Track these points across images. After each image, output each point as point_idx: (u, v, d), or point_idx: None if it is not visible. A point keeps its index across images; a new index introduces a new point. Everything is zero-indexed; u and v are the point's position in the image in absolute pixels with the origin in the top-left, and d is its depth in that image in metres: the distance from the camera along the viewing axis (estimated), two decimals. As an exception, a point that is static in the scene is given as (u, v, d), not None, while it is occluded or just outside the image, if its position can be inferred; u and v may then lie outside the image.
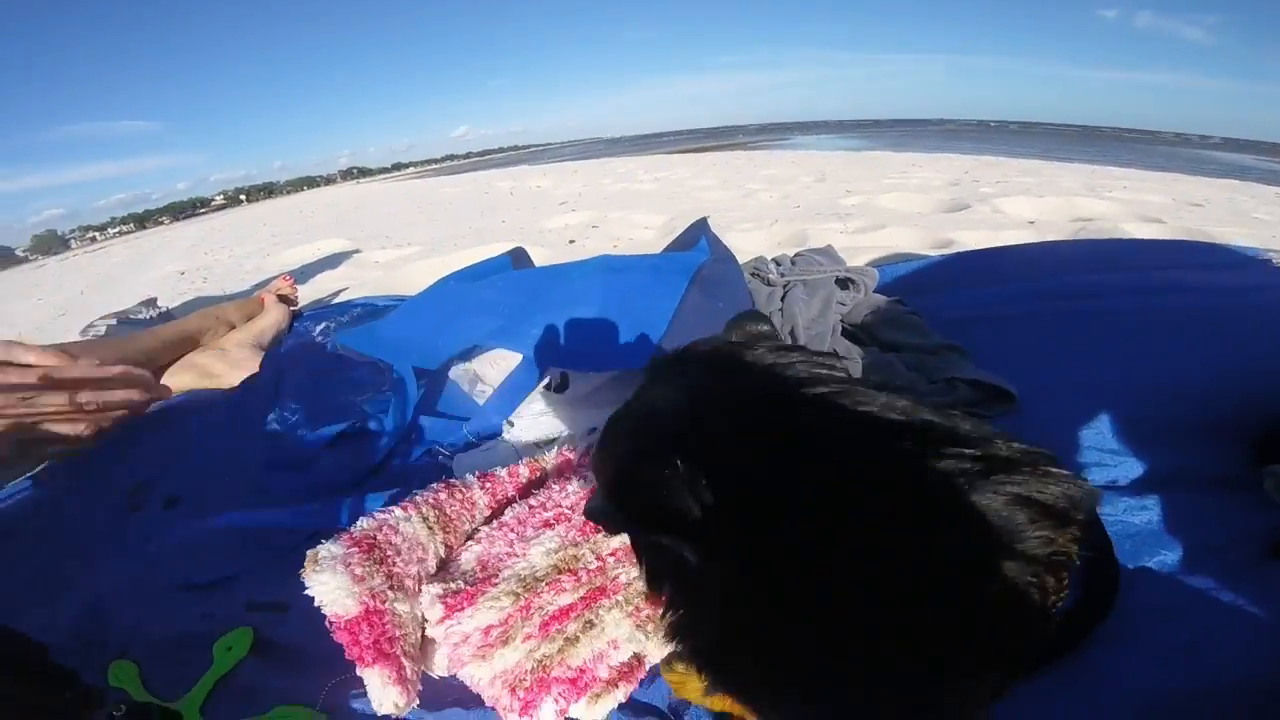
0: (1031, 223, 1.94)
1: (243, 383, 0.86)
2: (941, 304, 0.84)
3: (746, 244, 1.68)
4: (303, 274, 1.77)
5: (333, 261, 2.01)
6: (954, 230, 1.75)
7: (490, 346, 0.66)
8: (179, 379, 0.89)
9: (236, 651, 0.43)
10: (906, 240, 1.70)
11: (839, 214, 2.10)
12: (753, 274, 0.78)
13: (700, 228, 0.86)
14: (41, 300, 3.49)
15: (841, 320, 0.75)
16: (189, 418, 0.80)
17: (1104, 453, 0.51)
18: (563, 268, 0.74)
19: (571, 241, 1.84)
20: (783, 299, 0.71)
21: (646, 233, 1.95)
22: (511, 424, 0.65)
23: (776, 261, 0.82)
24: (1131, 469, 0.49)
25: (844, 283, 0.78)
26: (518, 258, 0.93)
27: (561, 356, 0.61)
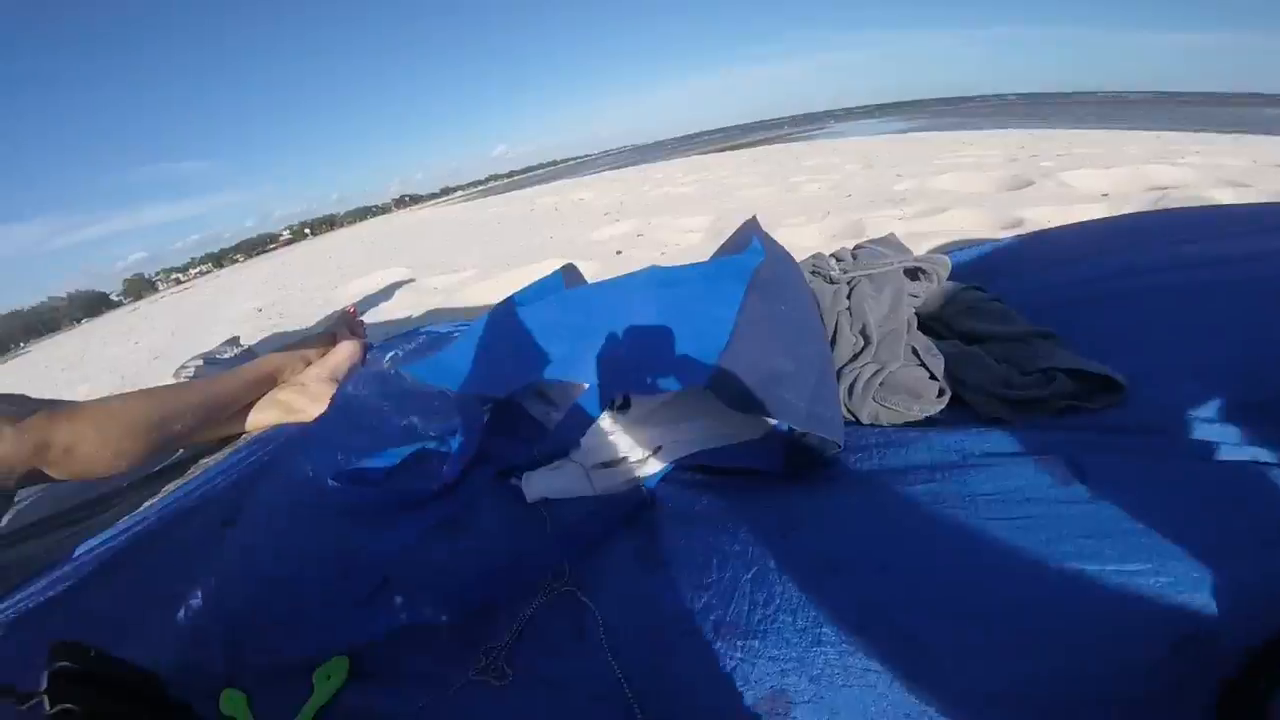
0: (1105, 195, 1.79)
1: (320, 419, 0.90)
2: (1025, 287, 0.79)
3: (799, 240, 1.63)
4: (367, 303, 1.86)
5: (394, 290, 2.10)
6: (1022, 208, 1.64)
7: (554, 374, 0.66)
8: (264, 415, 0.95)
9: (335, 681, 0.44)
10: (972, 222, 1.60)
11: (893, 200, 2.01)
12: (813, 272, 0.75)
13: (751, 228, 0.83)
14: (138, 344, 3.82)
15: (916, 313, 0.71)
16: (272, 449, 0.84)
17: (1226, 445, 0.45)
18: (614, 283, 0.73)
19: (619, 252, 1.85)
20: (849, 296, 0.68)
21: (693, 236, 1.93)
22: (579, 445, 0.65)
23: (837, 257, 0.79)
24: (1255, 457, 0.44)
25: (914, 273, 0.74)
26: (569, 274, 0.93)
27: (622, 379, 0.60)
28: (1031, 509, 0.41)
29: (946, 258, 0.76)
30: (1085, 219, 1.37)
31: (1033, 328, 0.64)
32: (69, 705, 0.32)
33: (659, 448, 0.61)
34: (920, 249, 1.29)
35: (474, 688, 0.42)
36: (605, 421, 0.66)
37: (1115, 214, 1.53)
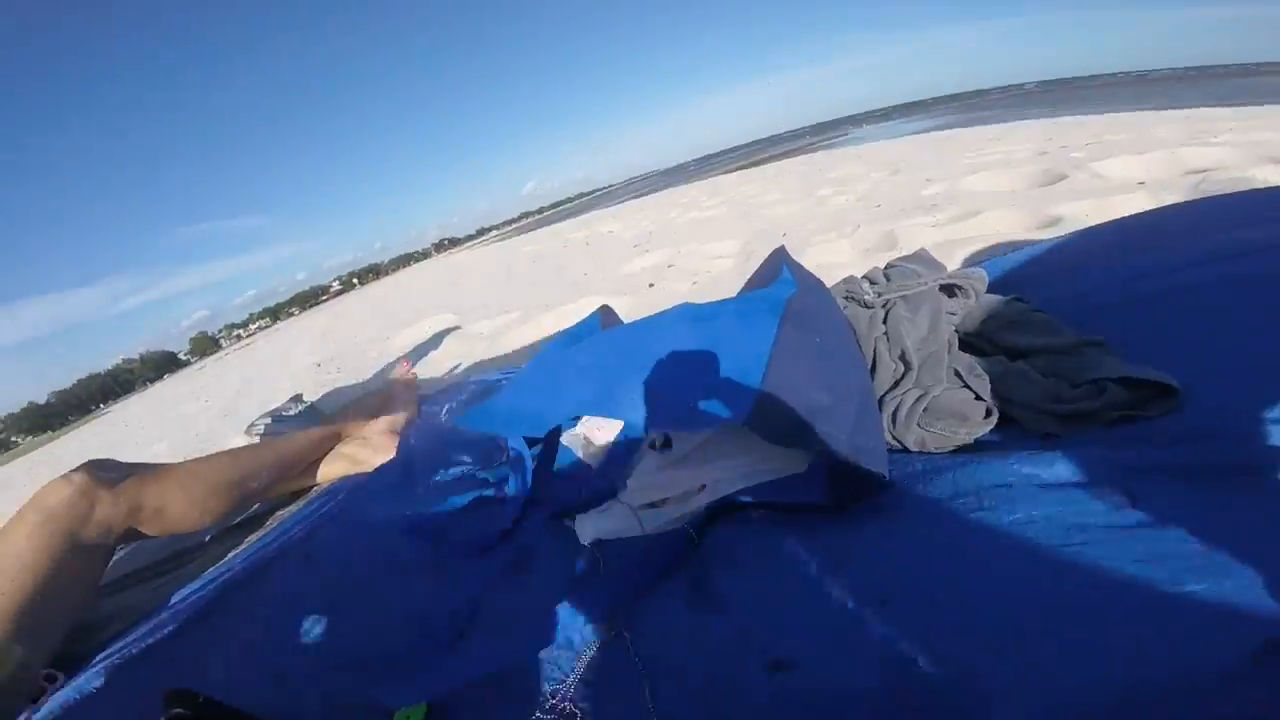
0: (1141, 184, 1.73)
1: (380, 466, 0.95)
2: (1068, 293, 0.77)
3: (832, 256, 1.63)
4: (418, 353, 1.95)
5: (442, 338, 2.20)
6: (1057, 204, 1.60)
7: (594, 411, 0.69)
8: (333, 469, 1.01)
9: None
10: (1007, 224, 1.57)
11: (924, 206, 1.99)
12: (846, 297, 0.75)
13: (780, 256, 0.85)
14: (208, 404, 4.08)
15: (956, 331, 0.70)
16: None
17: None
18: (648, 323, 0.75)
19: (651, 285, 1.89)
20: (885, 320, 0.68)
21: (723, 262, 1.95)
22: (626, 487, 0.67)
23: (870, 279, 0.80)
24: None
25: (950, 290, 0.74)
26: (605, 315, 0.97)
27: (660, 418, 0.61)
28: (1084, 535, 0.41)
29: (982, 271, 0.76)
30: (1124, 211, 1.33)
31: (1080, 337, 0.62)
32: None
33: (703, 486, 0.62)
34: (957, 257, 1.27)
35: None
36: (650, 462, 0.68)
37: (1155, 203, 1.48)
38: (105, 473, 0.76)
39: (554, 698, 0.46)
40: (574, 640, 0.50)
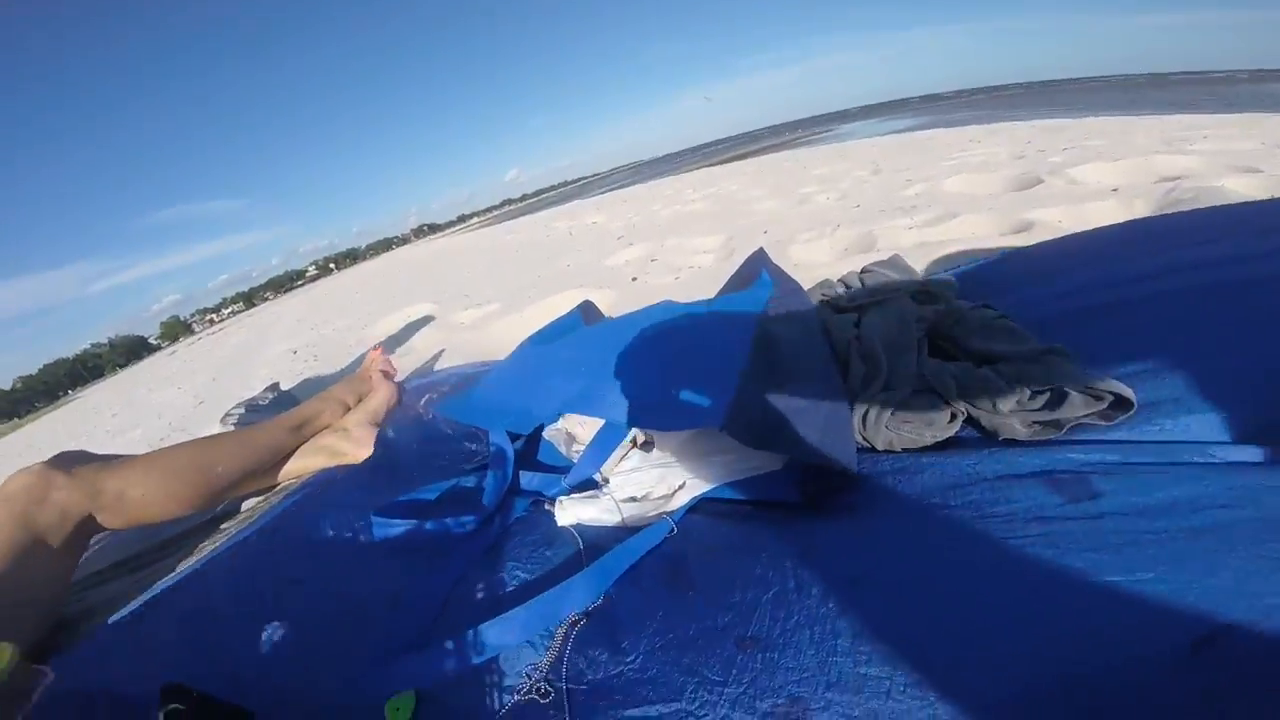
0: (1114, 190, 1.78)
1: (364, 462, 0.95)
2: (1033, 299, 0.80)
3: (811, 255, 1.66)
4: (397, 340, 1.93)
5: (421, 325, 2.18)
6: (1030, 209, 1.65)
7: (575, 410, 0.70)
8: (311, 461, 0.99)
9: (404, 713, 0.48)
10: (982, 227, 1.61)
11: (904, 208, 2.02)
12: (822, 300, 0.78)
13: (759, 259, 0.86)
14: (181, 389, 3.97)
15: (926, 336, 0.73)
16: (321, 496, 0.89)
17: (1239, 459, 0.47)
18: (629, 320, 0.76)
19: (634, 279, 1.89)
20: (857, 324, 0.71)
21: (705, 257, 1.96)
22: (606, 479, 0.69)
23: (845, 283, 0.82)
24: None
25: (921, 296, 0.77)
26: (587, 311, 0.98)
27: (640, 417, 0.63)
28: (1041, 527, 0.43)
29: (952, 278, 0.78)
30: (1096, 217, 1.37)
31: (1043, 346, 0.65)
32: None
33: (683, 484, 0.64)
34: (931, 259, 1.31)
35: (524, 706, 0.46)
36: (632, 459, 0.69)
37: (1126, 210, 1.53)
38: (69, 462, 0.74)
39: (533, 678, 0.47)
40: (554, 621, 0.51)
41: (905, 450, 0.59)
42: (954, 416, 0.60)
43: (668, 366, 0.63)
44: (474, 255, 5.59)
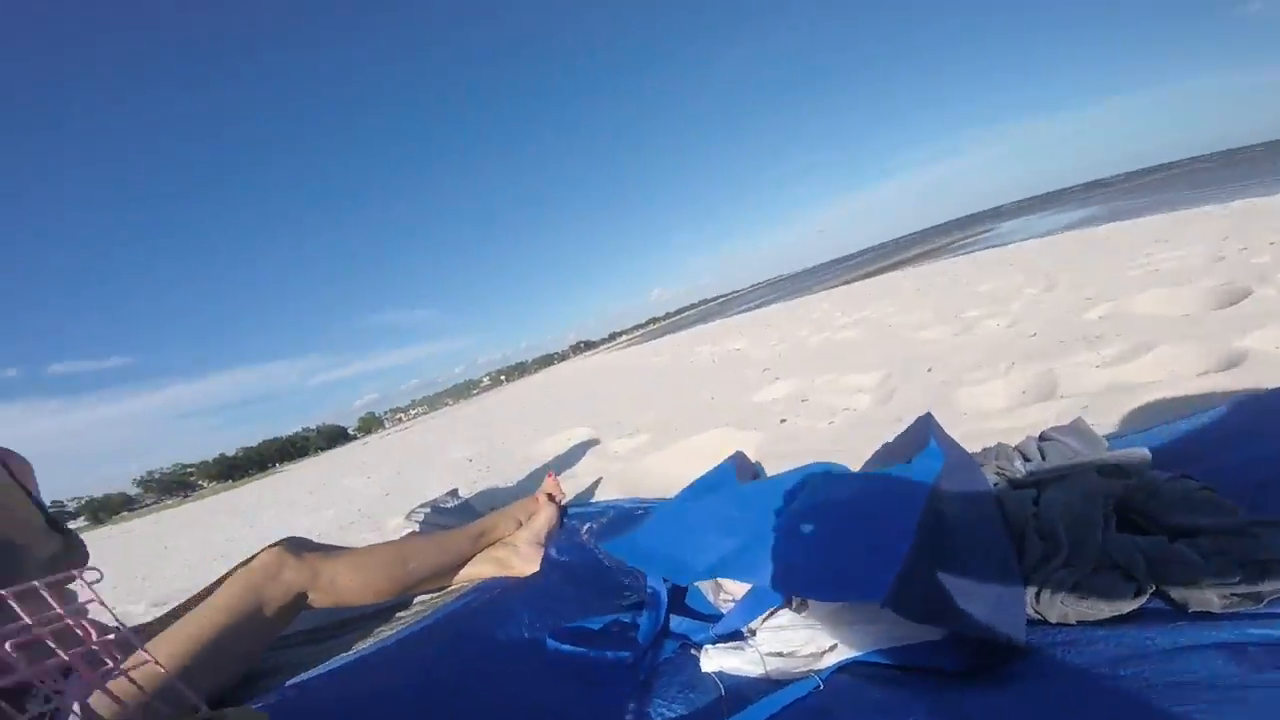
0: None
1: (530, 578, 1.05)
2: (1239, 462, 0.71)
3: (983, 402, 1.55)
4: (558, 463, 2.12)
5: (580, 451, 2.35)
6: (1240, 334, 1.40)
7: (730, 573, 0.73)
8: (482, 569, 1.12)
9: None
10: (1182, 362, 1.40)
11: (1087, 337, 1.83)
12: (997, 472, 0.75)
13: (926, 425, 0.86)
14: (369, 480, 4.60)
15: (1114, 513, 0.67)
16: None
17: None
18: (783, 481, 0.79)
19: (783, 420, 1.88)
20: (1036, 501, 0.67)
21: (861, 398, 1.90)
22: (753, 632, 0.70)
23: (1022, 452, 0.78)
24: None
25: (1108, 470, 0.71)
26: (739, 463, 1.03)
27: (796, 586, 0.64)
28: (1216, 694, 0.41)
29: (1145, 451, 0.72)
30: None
31: (1252, 518, 0.58)
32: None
33: (833, 645, 0.63)
34: (1125, 410, 1.17)
35: None
36: (781, 617, 0.70)
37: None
38: (297, 546, 0.93)
39: None
40: None
41: (1080, 623, 0.56)
42: (1139, 592, 0.56)
43: (827, 537, 0.65)
44: (624, 376, 5.97)
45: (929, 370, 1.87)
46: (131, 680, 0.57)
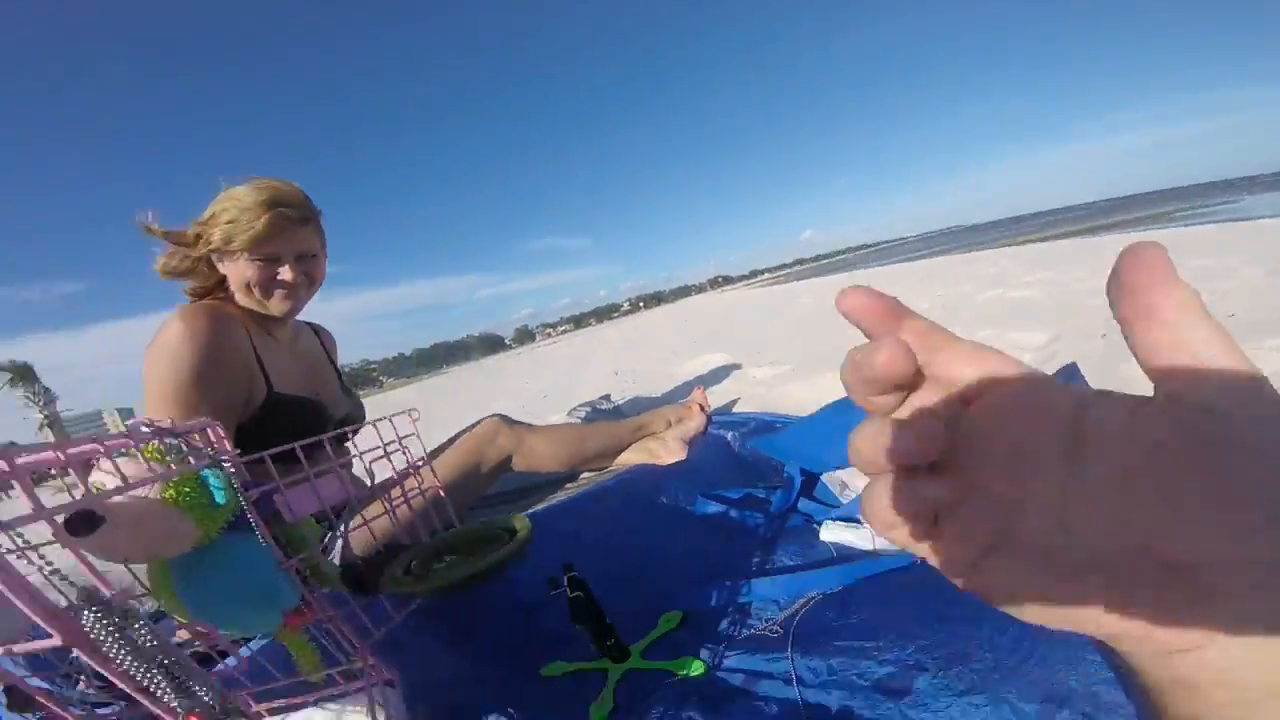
0: None
1: (673, 464, 1.26)
2: None
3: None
4: (704, 380, 2.30)
5: (722, 374, 2.50)
6: None
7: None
8: (635, 456, 1.31)
9: (670, 623, 0.73)
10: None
11: (1289, 322, 1.54)
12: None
13: (1070, 372, 0.89)
14: (529, 384, 5.20)
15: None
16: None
17: None
18: None
19: (929, 367, 1.85)
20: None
21: (1021, 356, 1.79)
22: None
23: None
24: None
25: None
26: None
27: None
28: None
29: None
30: None
31: None
32: (578, 593, 0.66)
33: None
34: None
35: (759, 636, 0.68)
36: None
37: None
38: (509, 421, 1.19)
39: (771, 621, 0.69)
40: (802, 590, 0.73)
41: None
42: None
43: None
44: (764, 313, 5.94)
45: (1103, 336, 1.72)
46: (423, 496, 0.79)
